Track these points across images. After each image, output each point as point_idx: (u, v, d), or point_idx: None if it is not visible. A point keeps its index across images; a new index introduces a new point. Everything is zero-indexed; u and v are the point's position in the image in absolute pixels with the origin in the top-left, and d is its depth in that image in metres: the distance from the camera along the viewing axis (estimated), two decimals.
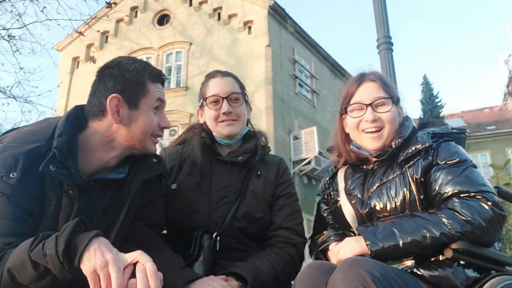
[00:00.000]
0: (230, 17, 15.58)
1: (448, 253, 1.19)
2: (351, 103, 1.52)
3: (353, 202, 1.48)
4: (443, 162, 1.36)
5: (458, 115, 27.66)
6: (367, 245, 1.23)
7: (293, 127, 14.91)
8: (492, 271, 1.24)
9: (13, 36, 8.29)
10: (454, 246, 1.18)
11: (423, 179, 1.37)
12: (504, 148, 22.61)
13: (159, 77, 1.35)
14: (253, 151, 1.64)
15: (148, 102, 1.30)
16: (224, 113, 1.61)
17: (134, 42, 16.46)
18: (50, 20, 8.25)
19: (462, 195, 1.27)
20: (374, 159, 1.50)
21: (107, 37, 17.16)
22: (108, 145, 1.28)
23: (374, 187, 1.44)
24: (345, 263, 1.11)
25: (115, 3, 7.82)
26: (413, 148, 1.39)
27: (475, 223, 1.20)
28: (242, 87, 1.71)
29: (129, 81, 1.28)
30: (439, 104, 23.62)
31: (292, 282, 1.26)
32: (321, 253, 1.51)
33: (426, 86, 24.29)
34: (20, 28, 8.32)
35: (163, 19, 16.94)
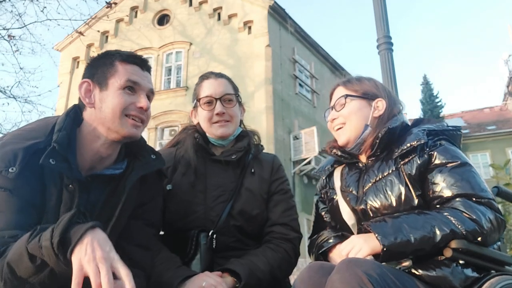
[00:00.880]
0: (230, 17, 15.59)
1: (448, 253, 1.18)
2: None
3: (348, 199, 1.48)
4: (444, 163, 1.35)
5: (458, 115, 27.67)
6: (378, 239, 1.19)
7: (293, 127, 14.92)
8: (492, 271, 1.23)
9: (13, 36, 8.31)
10: (453, 245, 1.17)
11: (418, 177, 1.36)
12: (504, 148, 22.62)
13: (130, 58, 1.33)
14: (246, 150, 1.66)
15: (116, 81, 1.28)
16: (217, 114, 1.63)
17: (134, 42, 16.47)
18: (50, 20, 8.29)
19: (464, 198, 1.27)
20: (368, 153, 1.51)
21: (107, 37, 17.18)
22: (93, 134, 1.29)
23: (369, 184, 1.43)
24: (342, 264, 1.11)
25: (115, 3, 7.83)
26: (408, 145, 1.39)
27: (481, 222, 1.19)
28: (235, 89, 1.72)
29: (98, 64, 1.32)
30: (439, 104, 23.66)
31: (292, 282, 1.26)
32: (321, 256, 1.50)
33: (426, 86, 24.33)
34: (20, 28, 8.35)
35: (163, 19, 16.96)
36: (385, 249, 1.18)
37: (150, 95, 1.35)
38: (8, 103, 19.57)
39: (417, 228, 1.20)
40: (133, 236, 1.32)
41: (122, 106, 1.27)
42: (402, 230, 1.20)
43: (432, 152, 1.38)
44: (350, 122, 1.52)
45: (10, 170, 1.12)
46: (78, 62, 17.33)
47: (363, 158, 1.54)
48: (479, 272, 1.22)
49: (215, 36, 15.58)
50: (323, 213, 1.65)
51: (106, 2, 7.40)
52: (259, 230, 1.61)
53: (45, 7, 8.52)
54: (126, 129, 1.27)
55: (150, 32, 16.60)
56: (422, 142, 1.38)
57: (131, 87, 1.29)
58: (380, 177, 1.42)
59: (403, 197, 1.35)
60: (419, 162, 1.37)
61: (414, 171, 1.37)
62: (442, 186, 1.31)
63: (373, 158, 1.50)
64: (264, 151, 1.76)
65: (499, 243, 1.32)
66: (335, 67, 18.87)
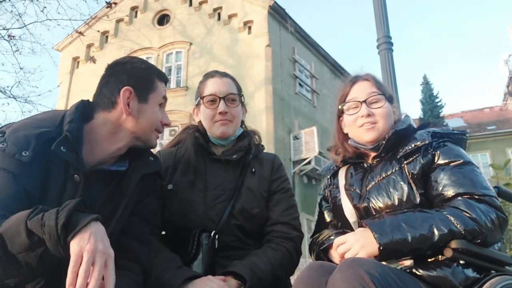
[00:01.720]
0: (230, 17, 15.59)
1: (448, 253, 1.18)
2: (346, 101, 1.57)
3: (351, 196, 1.49)
4: (446, 162, 1.36)
5: (458, 115, 27.67)
6: (375, 238, 1.20)
7: (293, 127, 14.92)
8: (492, 271, 1.23)
9: (13, 36, 8.30)
10: (453, 245, 1.17)
11: (421, 176, 1.37)
12: (504, 148, 22.61)
13: (165, 78, 1.47)
14: (246, 149, 1.66)
15: (156, 97, 1.39)
16: (220, 113, 1.63)
17: (134, 42, 16.48)
18: (50, 20, 8.27)
19: (465, 196, 1.27)
20: (372, 154, 1.52)
21: (107, 37, 17.18)
22: (114, 136, 1.33)
23: (373, 183, 1.44)
24: (344, 263, 1.11)
25: (115, 3, 7.82)
26: (413, 145, 1.41)
27: (480, 222, 1.19)
28: (239, 89, 1.73)
29: (141, 76, 1.38)
30: (439, 104, 23.63)
31: (292, 282, 1.26)
32: (322, 252, 1.51)
33: (426, 86, 24.29)
34: (20, 28, 8.33)
35: (163, 19, 16.96)
36: (381, 247, 1.19)
37: None
38: (8, 103, 19.63)
39: (415, 227, 1.20)
40: (130, 230, 1.35)
41: (157, 122, 1.40)
42: (399, 229, 1.20)
43: (436, 152, 1.39)
44: (383, 123, 1.51)
45: (23, 153, 1.13)
46: (78, 62, 17.33)
47: (368, 158, 1.56)
48: (479, 272, 1.22)
49: (215, 36, 15.58)
50: (325, 211, 1.65)
51: (106, 2, 7.40)
52: (259, 229, 1.61)
53: (45, 7, 8.51)
54: (153, 141, 1.42)
55: (150, 32, 16.60)
56: (426, 143, 1.40)
57: (161, 103, 1.42)
58: (384, 176, 1.43)
59: (405, 196, 1.35)
60: (422, 161, 1.38)
61: (417, 170, 1.37)
62: (444, 184, 1.32)
63: (378, 159, 1.51)
64: (264, 151, 1.77)
65: (499, 243, 1.33)
66: (335, 67, 18.87)
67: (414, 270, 1.22)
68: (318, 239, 1.55)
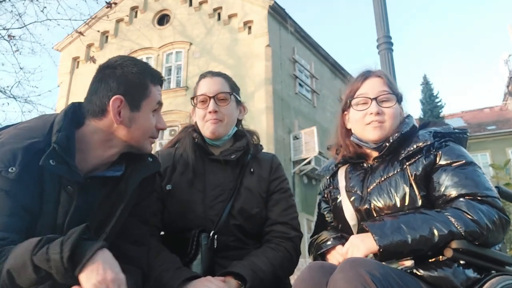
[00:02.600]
0: (230, 17, 15.58)
1: (448, 253, 1.18)
2: (355, 96, 1.53)
3: (352, 199, 1.48)
4: (449, 163, 1.35)
5: (458, 115, 27.65)
6: (375, 240, 1.20)
7: (293, 127, 14.91)
8: (492, 271, 1.23)
9: (13, 36, 8.29)
10: (454, 245, 1.17)
11: (423, 177, 1.36)
12: (504, 148, 22.61)
13: (159, 79, 1.37)
14: (245, 149, 1.65)
15: (149, 104, 1.31)
16: (209, 112, 1.62)
17: (134, 42, 16.47)
18: (50, 20, 8.26)
19: (467, 197, 1.27)
20: (374, 155, 1.51)
21: (107, 37, 17.17)
22: (107, 144, 1.28)
23: (374, 184, 1.43)
24: (345, 263, 1.11)
25: (115, 3, 7.82)
26: (415, 146, 1.40)
27: (481, 223, 1.19)
28: (233, 88, 1.70)
29: (132, 82, 1.28)
30: (439, 104, 23.63)
31: (292, 282, 1.26)
32: (319, 256, 1.50)
33: (426, 86, 24.29)
34: (20, 28, 8.33)
35: (163, 19, 16.95)
36: (381, 249, 1.19)
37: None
38: (8, 103, 19.61)
39: (415, 228, 1.20)
40: (128, 233, 1.33)
41: (151, 129, 1.34)
42: (400, 231, 1.20)
43: (438, 152, 1.38)
44: (390, 124, 1.48)
45: (10, 170, 1.09)
46: (78, 62, 17.31)
47: (369, 159, 1.54)
48: (480, 273, 1.22)
49: (215, 36, 15.57)
50: (325, 213, 1.65)
51: (106, 2, 7.40)
52: (258, 229, 1.61)
53: (45, 7, 8.53)
54: (148, 148, 1.36)
55: (150, 32, 16.59)
56: (428, 143, 1.39)
57: (156, 108, 1.35)
58: (385, 177, 1.42)
59: (407, 197, 1.35)
60: (425, 162, 1.38)
61: (419, 171, 1.37)
62: (447, 185, 1.31)
63: (380, 160, 1.50)
64: (263, 151, 1.76)
65: (499, 244, 1.32)
66: (335, 67, 18.86)
67: (415, 271, 1.22)
68: (317, 241, 1.55)
